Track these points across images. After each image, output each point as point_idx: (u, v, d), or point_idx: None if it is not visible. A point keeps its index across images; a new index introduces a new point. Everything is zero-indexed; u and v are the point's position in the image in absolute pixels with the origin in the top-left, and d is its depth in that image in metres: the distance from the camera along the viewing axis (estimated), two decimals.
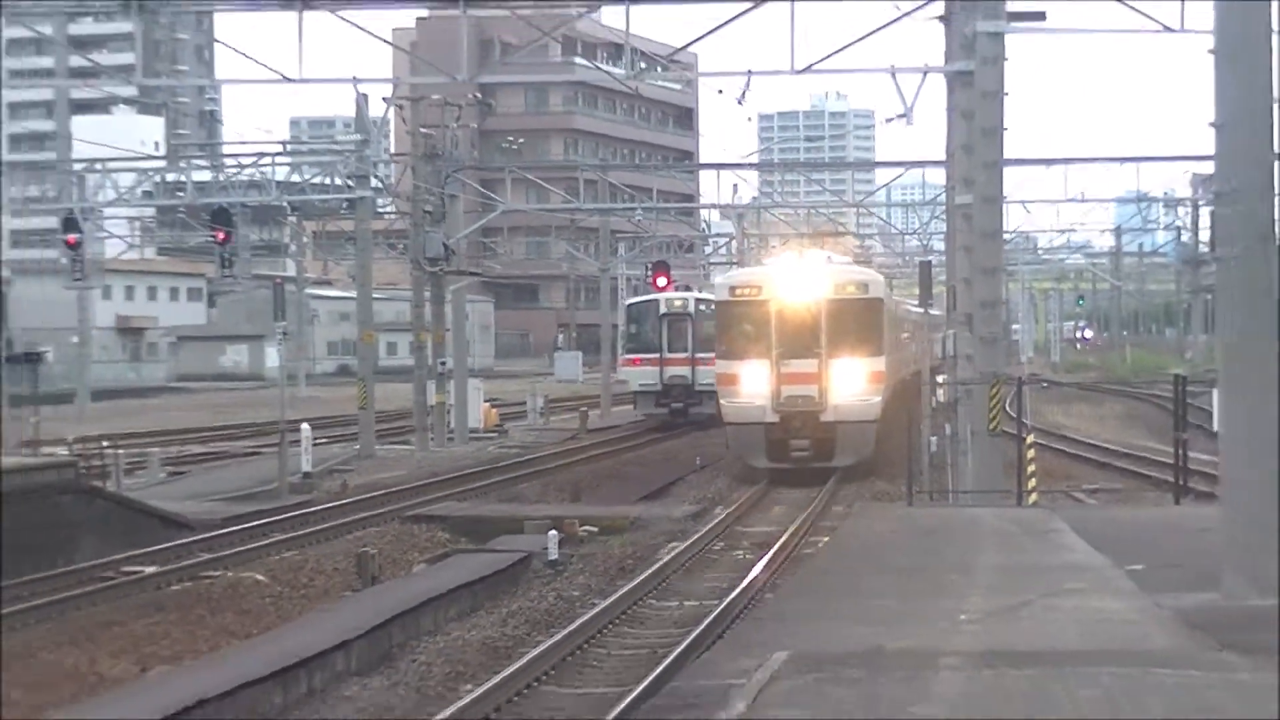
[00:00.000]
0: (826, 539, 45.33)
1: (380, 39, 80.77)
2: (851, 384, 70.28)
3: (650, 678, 31.53)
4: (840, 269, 77.79)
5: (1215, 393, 37.30)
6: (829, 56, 55.93)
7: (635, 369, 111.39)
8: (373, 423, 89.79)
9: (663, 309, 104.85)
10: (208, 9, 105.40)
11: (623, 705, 29.11)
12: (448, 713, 30.41)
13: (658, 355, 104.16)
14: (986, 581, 31.58)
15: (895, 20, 53.99)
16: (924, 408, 64.60)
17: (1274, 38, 29.89)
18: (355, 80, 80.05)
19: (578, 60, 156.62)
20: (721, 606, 37.91)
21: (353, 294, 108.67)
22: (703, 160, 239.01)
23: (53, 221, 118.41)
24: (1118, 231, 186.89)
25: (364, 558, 50.04)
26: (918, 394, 74.85)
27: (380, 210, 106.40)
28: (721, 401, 74.29)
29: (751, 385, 71.49)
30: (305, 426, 78.15)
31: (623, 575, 46.87)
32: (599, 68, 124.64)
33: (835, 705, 20.50)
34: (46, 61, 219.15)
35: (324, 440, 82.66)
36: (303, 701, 33.58)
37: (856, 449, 69.96)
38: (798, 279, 72.20)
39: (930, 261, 78.05)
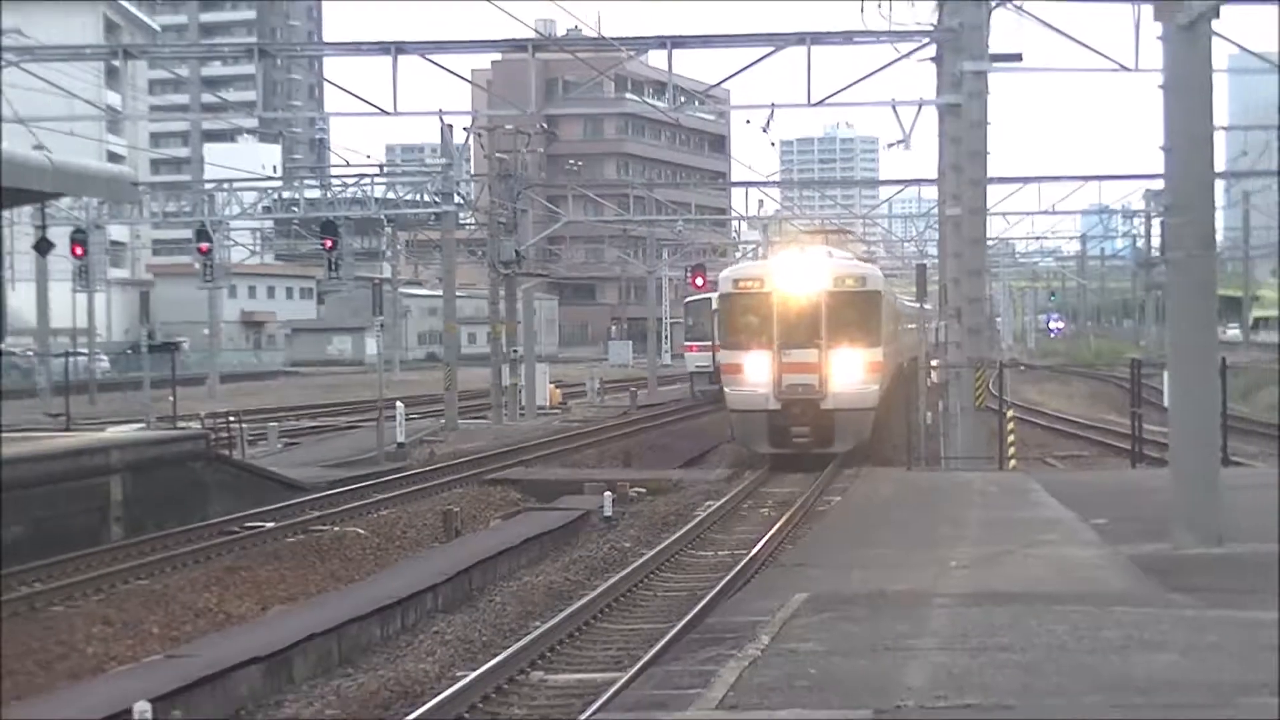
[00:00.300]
0: (838, 498, 45.25)
1: (461, 78, 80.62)
2: (850, 373, 62.88)
3: (690, 615, 31.47)
4: (839, 263, 68.66)
5: (1165, 374, 37.20)
6: (839, 92, 55.86)
7: (693, 354, 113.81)
8: (456, 401, 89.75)
9: (714, 305, 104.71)
10: (317, 54, 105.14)
11: (666, 638, 29.08)
12: (521, 644, 30.49)
13: (710, 343, 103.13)
14: (973, 534, 31.52)
15: (894, 61, 53.98)
16: (920, 388, 62.69)
17: (1212, 75, 30.00)
18: (441, 113, 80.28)
19: (628, 95, 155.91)
20: (749, 555, 37.78)
21: (439, 293, 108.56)
22: (733, 179, 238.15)
23: (188, 233, 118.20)
24: (1083, 239, 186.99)
25: (448, 515, 50.11)
26: (914, 377, 66.48)
27: (462, 222, 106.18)
28: (725, 390, 66.90)
29: (754, 374, 64.13)
30: (399, 404, 77.97)
31: (666, 529, 46.79)
32: (646, 101, 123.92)
33: (845, 638, 20.47)
34: (183, 98, 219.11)
35: (415, 416, 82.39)
36: (398, 635, 33.67)
37: (855, 435, 63.17)
38: (798, 272, 64.65)
39: (925, 264, 77.28)
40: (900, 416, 65.28)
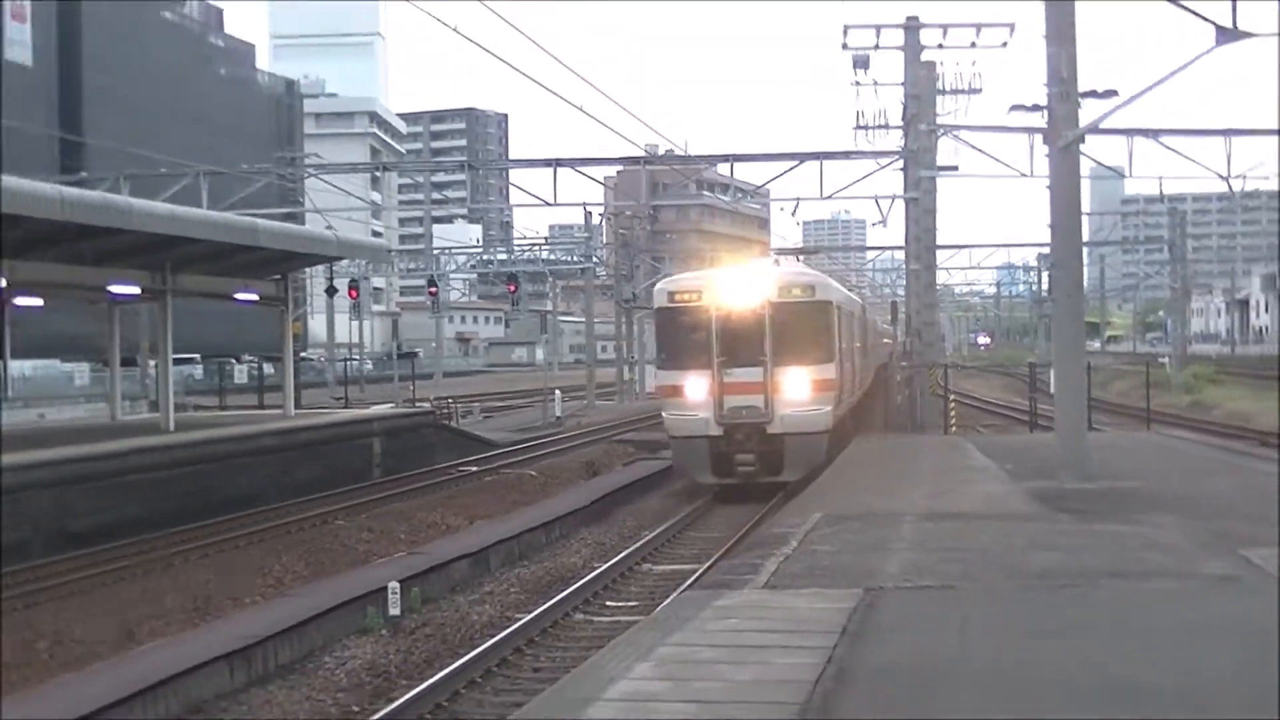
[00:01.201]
0: (841, 455, 45.22)
1: (598, 181, 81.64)
2: (799, 393, 42.01)
3: (746, 527, 31.54)
4: (786, 272, 46.95)
5: (1051, 372, 37.18)
6: (841, 189, 55.91)
7: None
8: (594, 389, 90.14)
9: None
10: (504, 166, 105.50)
11: (730, 543, 29.19)
12: (635, 546, 30.86)
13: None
14: (928, 476, 31.37)
15: (876, 170, 53.52)
16: (893, 381, 57.97)
17: (1079, 180, 29.98)
18: (584, 204, 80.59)
19: (705, 192, 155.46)
20: (784, 491, 37.73)
21: (583, 319, 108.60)
22: (772, 247, 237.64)
23: (422, 281, 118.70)
24: (998, 284, 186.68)
25: (589, 462, 50.19)
26: (890, 375, 58.60)
27: (597, 274, 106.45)
28: (664, 415, 44.14)
29: (694, 396, 42.34)
30: (557, 391, 78.32)
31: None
32: (716, 196, 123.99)
33: (846, 540, 20.41)
34: (419, 196, 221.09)
35: (568, 399, 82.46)
36: (555, 541, 34.03)
37: (806, 461, 41.15)
38: (740, 283, 43.48)
39: (896, 301, 76.24)
40: (874, 416, 57.57)
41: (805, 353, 39.88)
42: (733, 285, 40.71)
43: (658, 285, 46.29)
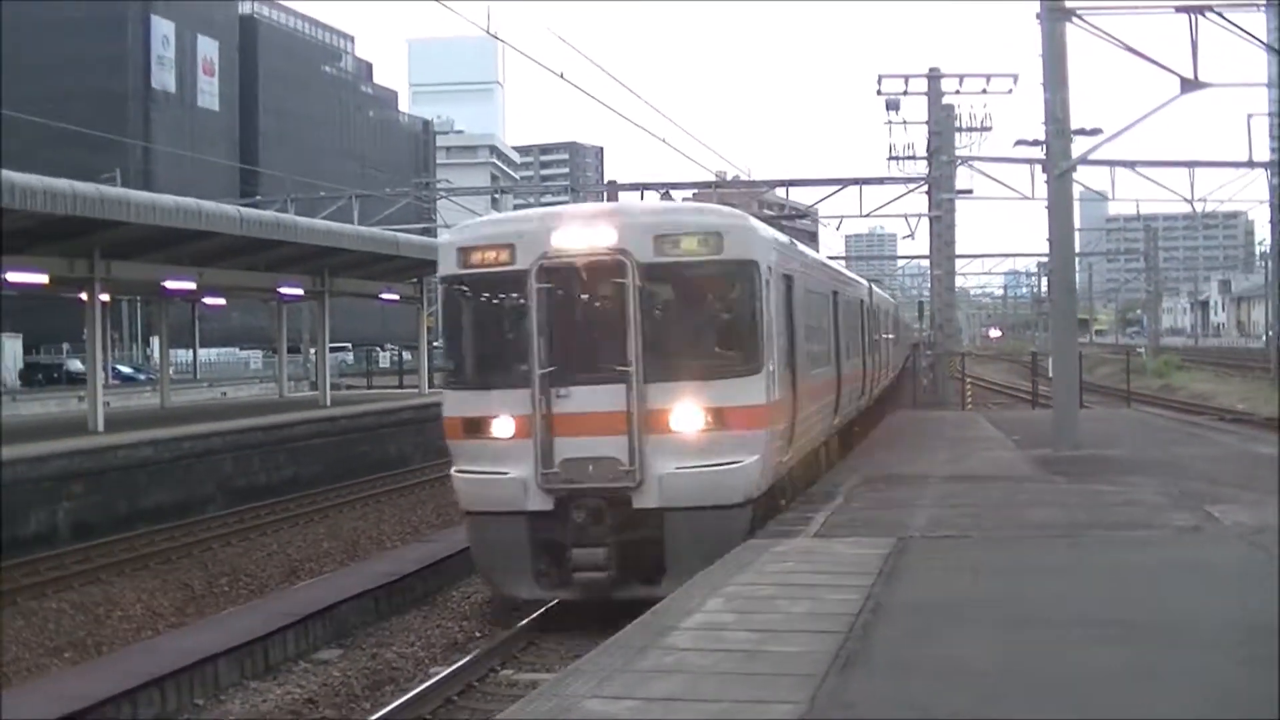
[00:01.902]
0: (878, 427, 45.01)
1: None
2: (694, 431, 17.26)
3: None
4: (671, 212, 19.49)
5: (1050, 360, 36.98)
6: (878, 208, 55.31)
7: None
8: None
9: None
10: (603, 190, 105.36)
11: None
12: None
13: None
14: (948, 443, 31.22)
15: (906, 193, 53.49)
16: (918, 366, 53.73)
17: (1072, 202, 29.90)
18: None
19: (765, 211, 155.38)
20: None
21: None
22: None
23: None
24: (1005, 287, 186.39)
25: None
26: (913, 364, 53.53)
27: None
28: (453, 473, 18.44)
29: (498, 438, 17.60)
30: None
31: None
32: (775, 215, 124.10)
33: (879, 498, 20.27)
34: None
35: None
36: None
37: (705, 555, 15.13)
38: (584, 230, 17.67)
39: (923, 301, 76.19)
40: (904, 395, 53.31)
41: (708, 356, 18.18)
42: (571, 235, 17.98)
43: (442, 240, 21.37)
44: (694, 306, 18.33)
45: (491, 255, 17.98)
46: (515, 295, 17.90)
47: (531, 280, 17.48)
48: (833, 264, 33.95)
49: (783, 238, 21.91)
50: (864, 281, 40.77)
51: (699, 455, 17.32)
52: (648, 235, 17.51)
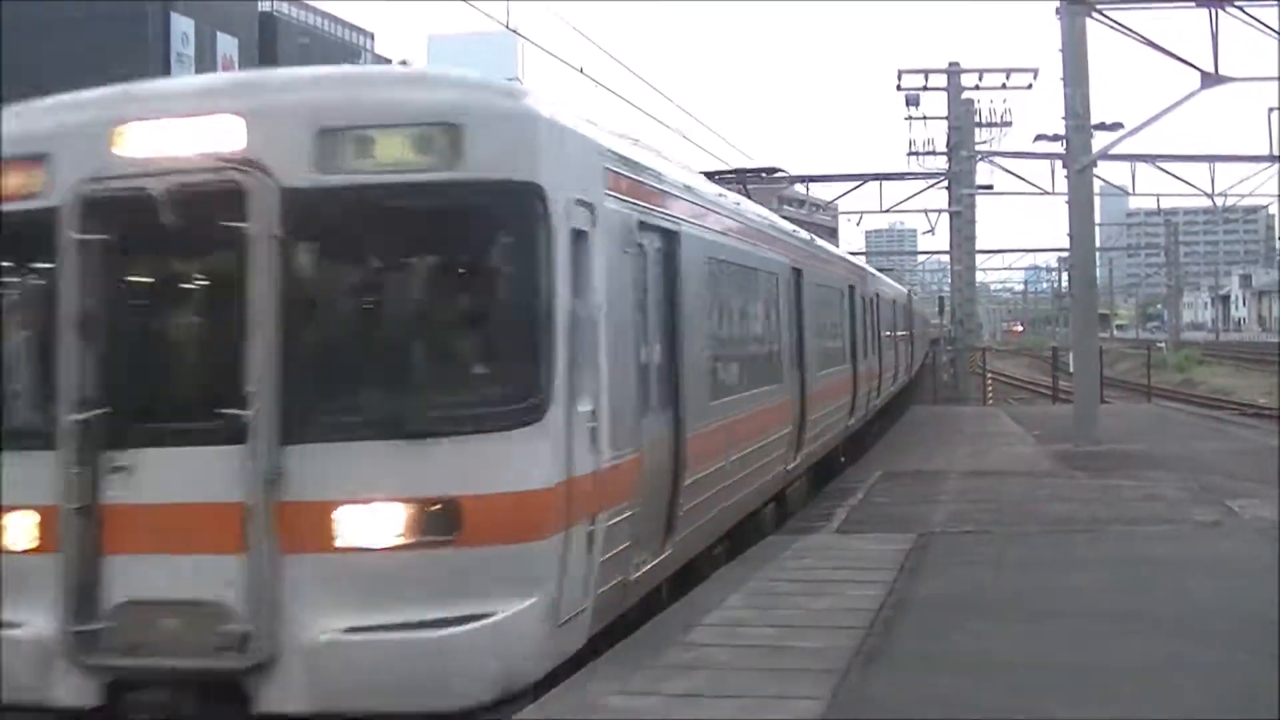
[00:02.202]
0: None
1: None
2: (389, 543, 7.48)
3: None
4: (358, 80, 9.40)
5: (1071, 354, 36.96)
6: (898, 204, 55.84)
7: None
8: None
9: None
10: None
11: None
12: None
13: None
14: (969, 439, 31.22)
15: (926, 189, 53.55)
16: (937, 362, 54.68)
17: (1093, 197, 29.93)
18: None
19: (785, 205, 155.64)
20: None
21: None
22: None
23: None
24: (1026, 282, 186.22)
25: None
26: (933, 361, 54.97)
27: None
28: None
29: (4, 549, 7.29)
30: None
31: None
32: (796, 209, 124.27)
33: (901, 492, 20.32)
34: None
35: None
36: None
37: None
38: (177, 129, 7.50)
39: (943, 296, 75.89)
40: (924, 389, 53.00)
41: (429, 386, 8.37)
42: (155, 134, 8.39)
43: None
44: (401, 282, 8.56)
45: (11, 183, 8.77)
46: (44, 258, 8.63)
47: (65, 227, 8.43)
48: (823, 245, 29.37)
49: (633, 145, 12.19)
50: (875, 272, 38.54)
51: (398, 600, 8.07)
52: (305, 130, 8.36)
